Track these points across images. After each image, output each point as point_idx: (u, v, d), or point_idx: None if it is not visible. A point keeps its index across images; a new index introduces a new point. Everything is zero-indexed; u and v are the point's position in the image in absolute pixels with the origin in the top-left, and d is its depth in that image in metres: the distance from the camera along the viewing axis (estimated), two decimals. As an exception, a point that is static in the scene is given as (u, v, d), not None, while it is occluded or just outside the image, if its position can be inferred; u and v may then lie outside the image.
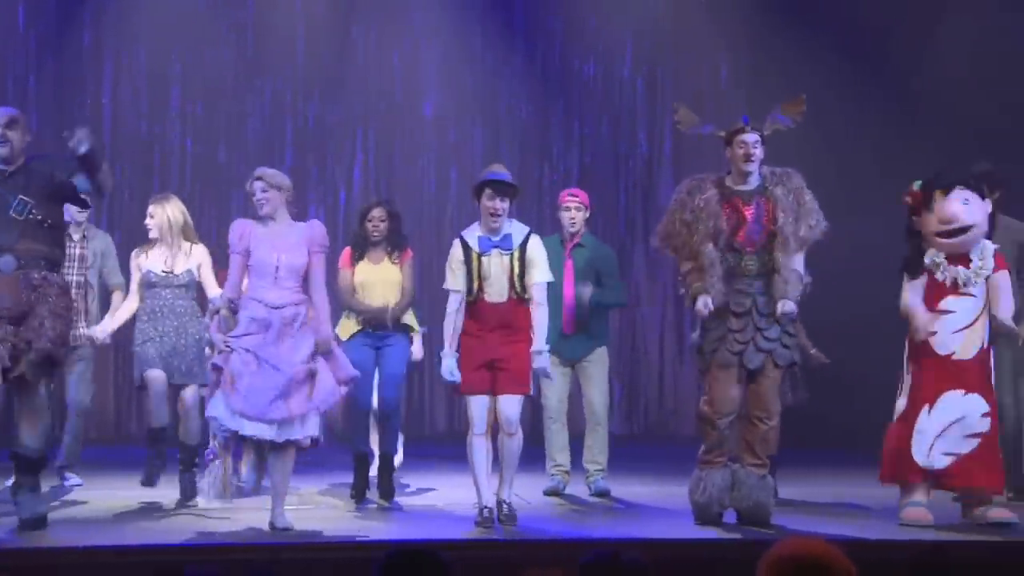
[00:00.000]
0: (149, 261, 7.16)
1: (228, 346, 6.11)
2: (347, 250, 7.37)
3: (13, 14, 10.56)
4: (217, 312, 6.31)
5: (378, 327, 7.23)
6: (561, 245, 7.55)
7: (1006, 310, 6.42)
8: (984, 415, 6.35)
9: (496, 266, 6.37)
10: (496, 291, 6.37)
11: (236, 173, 10.43)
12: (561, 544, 5.86)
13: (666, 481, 7.71)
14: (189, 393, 7.08)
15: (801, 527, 6.20)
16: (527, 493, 7.13)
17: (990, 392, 6.45)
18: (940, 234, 6.44)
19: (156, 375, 7.01)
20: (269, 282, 6.21)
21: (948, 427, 6.34)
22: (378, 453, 7.29)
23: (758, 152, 6.29)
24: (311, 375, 6.14)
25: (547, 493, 7.40)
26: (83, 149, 5.96)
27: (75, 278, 7.41)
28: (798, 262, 6.30)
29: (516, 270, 6.37)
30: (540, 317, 6.36)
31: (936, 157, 7.92)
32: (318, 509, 6.96)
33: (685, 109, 6.84)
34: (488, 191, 6.39)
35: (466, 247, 6.41)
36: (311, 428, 6.16)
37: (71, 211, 7.03)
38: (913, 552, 3.27)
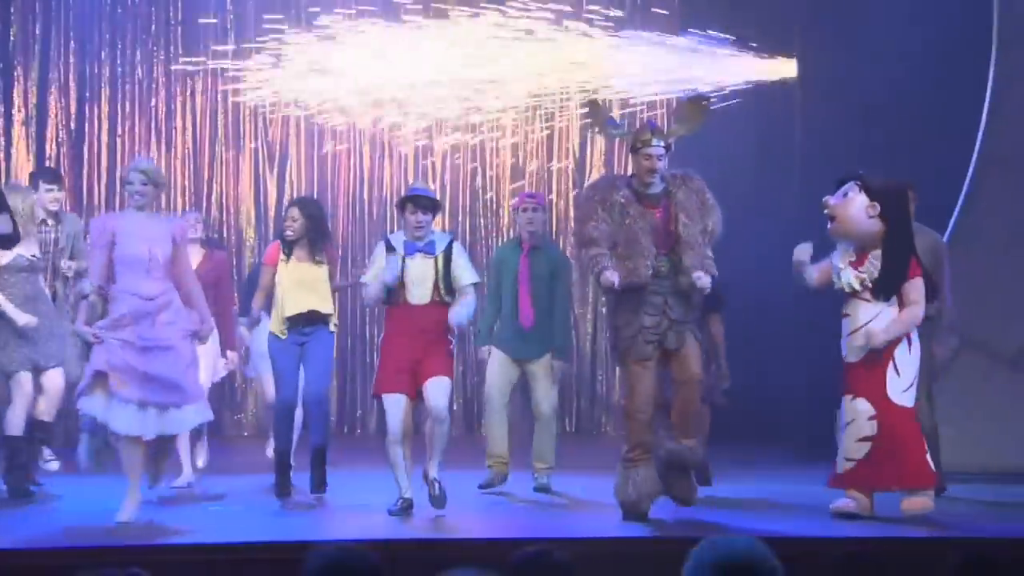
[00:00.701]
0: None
1: (98, 338, 6.12)
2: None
3: None
4: (85, 298, 6.28)
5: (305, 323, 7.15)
6: (519, 247, 7.58)
7: (881, 321, 6.40)
8: (870, 418, 6.37)
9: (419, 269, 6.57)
10: (419, 294, 6.58)
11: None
12: (494, 543, 5.80)
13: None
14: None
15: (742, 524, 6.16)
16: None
17: (880, 396, 6.40)
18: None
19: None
20: (141, 274, 6.22)
21: (843, 432, 6.44)
22: (310, 445, 7.19)
23: (662, 165, 6.40)
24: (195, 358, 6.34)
25: (482, 487, 7.41)
26: None
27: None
28: (706, 256, 6.36)
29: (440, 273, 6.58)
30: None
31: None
32: (247, 509, 6.88)
33: (596, 106, 6.96)
34: (410, 205, 6.64)
35: (391, 249, 6.62)
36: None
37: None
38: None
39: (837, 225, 6.49)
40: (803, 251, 6.65)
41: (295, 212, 7.25)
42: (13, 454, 6.97)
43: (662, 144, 6.38)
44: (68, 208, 8.77)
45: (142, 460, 6.31)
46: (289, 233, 7.19)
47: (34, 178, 7.77)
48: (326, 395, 7.42)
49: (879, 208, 6.43)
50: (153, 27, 10.79)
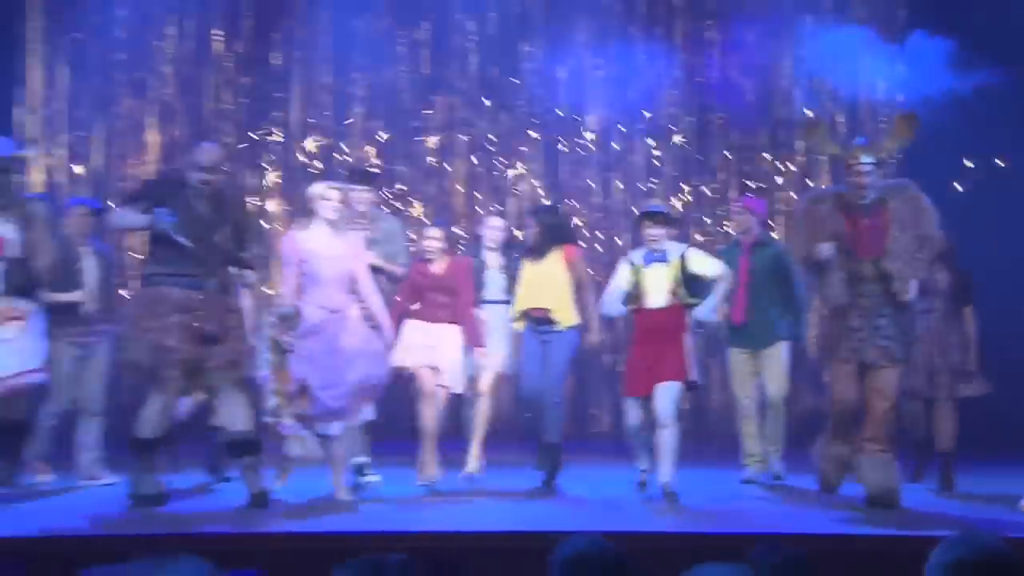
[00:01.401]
0: None
1: (290, 347, 6.40)
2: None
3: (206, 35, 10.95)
4: (286, 318, 6.47)
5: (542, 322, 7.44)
6: (737, 247, 7.79)
7: None
8: None
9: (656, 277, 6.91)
10: (656, 298, 6.90)
11: (414, 187, 10.76)
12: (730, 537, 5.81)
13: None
14: None
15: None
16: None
17: None
18: None
19: None
20: (328, 289, 6.51)
21: None
22: (544, 442, 7.44)
23: (871, 179, 6.58)
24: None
25: (744, 481, 7.66)
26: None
27: None
28: (914, 261, 6.55)
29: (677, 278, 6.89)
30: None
31: None
32: (494, 500, 7.01)
33: (816, 123, 7.15)
34: (646, 221, 6.96)
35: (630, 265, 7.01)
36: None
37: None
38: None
39: None
40: None
41: (531, 219, 7.63)
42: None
43: (871, 161, 6.53)
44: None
45: (344, 451, 6.69)
46: (527, 238, 7.54)
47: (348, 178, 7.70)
48: (558, 395, 7.50)
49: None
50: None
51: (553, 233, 7.53)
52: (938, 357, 7.67)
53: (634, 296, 6.99)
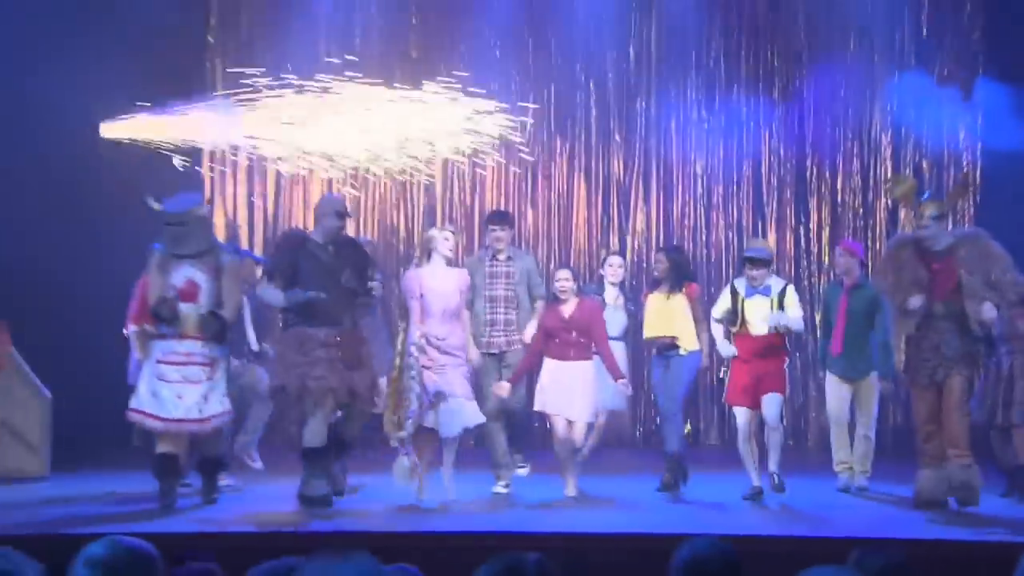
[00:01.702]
0: None
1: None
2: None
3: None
4: (421, 348, 6.66)
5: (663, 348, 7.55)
6: (840, 287, 7.73)
7: None
8: None
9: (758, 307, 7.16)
10: (758, 326, 7.13)
11: (540, 228, 10.70)
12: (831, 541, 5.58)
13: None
14: None
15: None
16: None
17: None
18: None
19: None
20: (437, 318, 6.68)
21: None
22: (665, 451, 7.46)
23: (932, 231, 6.65)
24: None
25: (840, 490, 7.51)
26: None
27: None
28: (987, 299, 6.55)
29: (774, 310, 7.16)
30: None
31: None
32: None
33: (900, 182, 7.41)
34: (748, 263, 7.23)
35: (734, 292, 7.23)
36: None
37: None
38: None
39: None
40: None
41: (661, 256, 7.65)
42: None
43: (936, 214, 6.67)
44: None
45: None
46: (656, 273, 7.65)
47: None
48: (677, 410, 7.45)
49: None
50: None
51: (680, 270, 7.55)
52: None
53: (736, 321, 7.18)
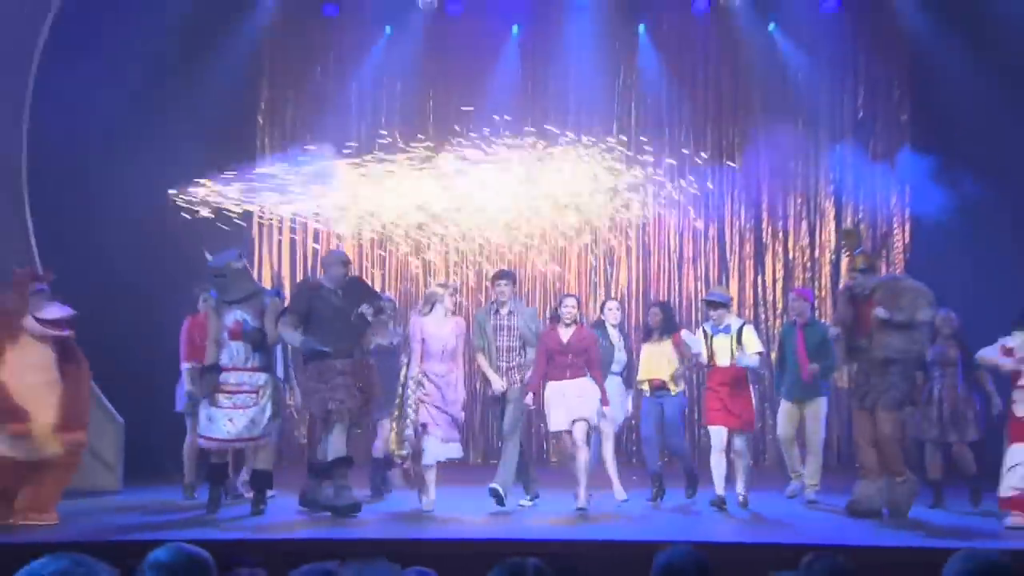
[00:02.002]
0: None
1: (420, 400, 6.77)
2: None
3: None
4: (419, 382, 6.82)
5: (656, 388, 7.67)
6: (794, 326, 7.83)
7: None
8: None
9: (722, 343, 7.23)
10: (722, 360, 7.21)
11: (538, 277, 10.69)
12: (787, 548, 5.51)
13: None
14: None
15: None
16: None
17: None
18: None
19: None
20: (437, 358, 6.82)
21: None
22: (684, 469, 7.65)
23: (859, 277, 6.85)
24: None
25: (788, 495, 7.65)
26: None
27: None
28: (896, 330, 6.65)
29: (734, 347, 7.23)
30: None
31: None
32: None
33: (848, 235, 7.53)
34: (707, 305, 7.44)
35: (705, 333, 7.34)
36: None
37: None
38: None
39: None
40: None
41: (656, 310, 7.82)
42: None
43: (863, 267, 6.86)
44: None
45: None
46: (651, 323, 7.78)
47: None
48: (680, 446, 7.67)
49: None
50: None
51: (669, 322, 7.71)
52: (951, 409, 7.45)
53: (708, 356, 7.27)
